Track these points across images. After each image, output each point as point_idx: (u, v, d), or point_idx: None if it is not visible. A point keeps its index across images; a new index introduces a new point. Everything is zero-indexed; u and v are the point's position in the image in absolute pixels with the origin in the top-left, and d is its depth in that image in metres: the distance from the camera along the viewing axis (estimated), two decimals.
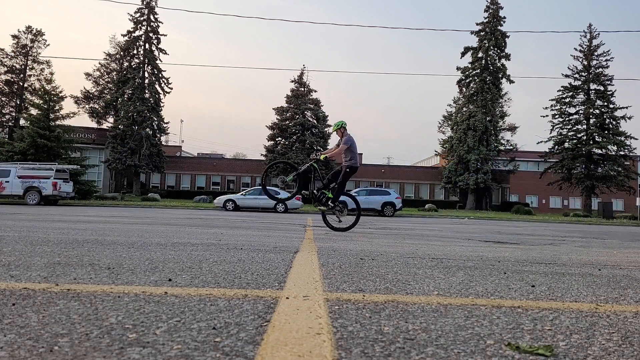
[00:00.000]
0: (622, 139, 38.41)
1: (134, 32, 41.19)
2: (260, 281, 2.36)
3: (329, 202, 7.75)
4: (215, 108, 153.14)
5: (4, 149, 28.53)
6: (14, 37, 45.68)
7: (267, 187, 7.99)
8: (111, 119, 44.10)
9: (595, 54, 40.21)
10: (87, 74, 47.13)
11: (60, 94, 30.65)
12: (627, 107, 39.04)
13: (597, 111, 39.57)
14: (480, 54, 41.17)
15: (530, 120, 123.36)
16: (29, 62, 45.89)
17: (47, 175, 21.84)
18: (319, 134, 43.16)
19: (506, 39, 40.87)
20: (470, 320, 1.69)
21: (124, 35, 41.33)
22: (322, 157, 7.86)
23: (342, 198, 8.03)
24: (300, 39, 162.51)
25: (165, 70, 41.94)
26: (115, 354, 1.18)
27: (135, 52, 41.33)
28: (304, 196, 7.92)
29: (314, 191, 7.91)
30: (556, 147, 40.50)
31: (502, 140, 42.73)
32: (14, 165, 22.36)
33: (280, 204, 23.63)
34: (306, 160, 41.48)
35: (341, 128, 7.98)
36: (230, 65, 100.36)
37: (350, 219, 7.91)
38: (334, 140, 45.20)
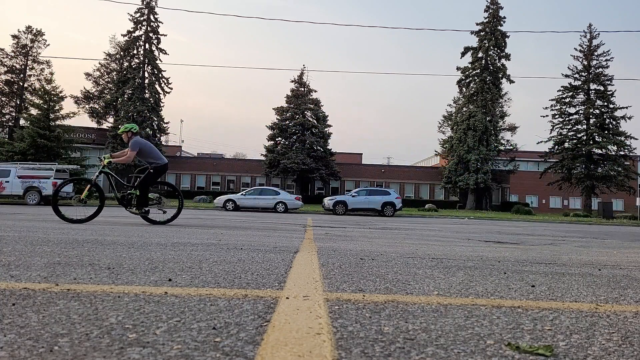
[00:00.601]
0: (622, 139, 38.42)
1: (134, 32, 41.21)
2: (260, 281, 2.36)
3: (141, 206, 7.78)
4: (215, 108, 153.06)
5: (4, 149, 28.55)
6: (14, 37, 45.71)
7: (58, 206, 7.72)
8: (111, 119, 44.13)
9: (595, 54, 40.22)
10: (87, 74, 47.18)
11: (60, 94, 30.67)
12: (627, 107, 39.07)
13: (597, 111, 39.59)
14: (480, 54, 41.18)
15: (530, 120, 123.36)
16: (29, 62, 45.90)
17: (47, 175, 21.84)
18: (319, 134, 43.15)
19: (506, 39, 40.88)
20: (470, 320, 1.69)
21: (124, 35, 41.37)
22: (105, 161, 7.63)
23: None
24: (300, 39, 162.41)
25: (165, 70, 41.99)
26: (115, 354, 1.18)
27: (135, 52, 41.35)
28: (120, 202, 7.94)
29: (117, 196, 7.90)
30: (556, 147, 40.52)
31: (502, 140, 42.74)
32: (14, 165, 22.37)
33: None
34: (305, 161, 41.53)
35: (128, 132, 7.75)
36: (230, 66, 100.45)
37: (173, 211, 8.26)
38: (334, 140, 45.18)
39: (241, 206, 23.73)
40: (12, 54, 45.33)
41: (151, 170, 7.76)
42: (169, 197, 9.19)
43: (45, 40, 47.01)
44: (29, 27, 46.15)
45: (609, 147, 38.54)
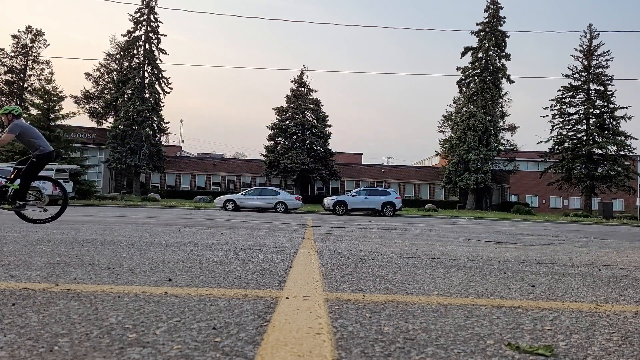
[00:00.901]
0: (622, 139, 38.42)
1: (134, 32, 41.20)
2: (260, 281, 2.36)
3: (16, 199, 6.94)
4: (215, 108, 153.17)
5: (4, 149, 28.53)
6: (14, 37, 45.70)
7: None
8: (111, 119, 44.14)
9: (595, 54, 40.22)
10: (87, 74, 47.18)
11: (60, 94, 30.65)
12: (627, 107, 39.07)
13: (597, 111, 39.59)
14: (480, 54, 41.18)
15: (530, 120, 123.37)
16: (29, 62, 45.89)
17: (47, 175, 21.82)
18: (319, 134, 43.15)
19: (506, 39, 40.88)
20: (470, 320, 1.69)
21: (124, 35, 41.37)
22: None
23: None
24: (300, 39, 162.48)
25: (165, 70, 41.98)
26: (115, 354, 1.18)
27: (135, 52, 41.35)
28: None
29: None
30: (556, 147, 40.52)
31: (502, 140, 42.74)
32: (10, 165, 22.35)
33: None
34: (305, 161, 41.51)
35: (8, 114, 7.03)
36: (231, 66, 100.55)
37: (55, 209, 7.37)
38: (334, 140, 45.21)
39: (241, 206, 23.73)
40: (12, 54, 45.33)
41: (34, 159, 7.00)
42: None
43: (45, 40, 47.01)
44: (29, 27, 46.16)
45: (609, 147, 38.53)
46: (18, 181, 7.06)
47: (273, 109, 44.10)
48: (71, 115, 31.02)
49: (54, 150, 7.27)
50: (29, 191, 7.19)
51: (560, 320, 1.75)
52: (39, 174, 7.37)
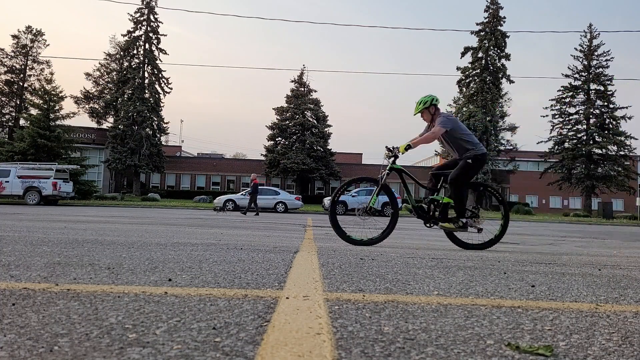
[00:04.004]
0: (622, 139, 38.43)
1: (134, 32, 41.21)
2: (260, 281, 2.36)
3: (456, 216, 5.12)
4: (215, 108, 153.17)
5: (4, 149, 28.54)
6: (14, 37, 45.70)
7: (337, 219, 5.21)
8: (111, 119, 44.14)
9: (596, 54, 40.23)
10: (87, 74, 47.23)
11: (60, 94, 30.66)
12: (627, 107, 39.10)
13: (597, 111, 39.60)
14: (480, 54, 41.20)
15: (530, 120, 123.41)
16: (29, 62, 45.89)
17: (47, 175, 21.84)
18: (319, 134, 43.16)
19: (506, 39, 40.90)
20: (470, 320, 1.69)
21: (124, 35, 41.39)
22: (402, 148, 5.06)
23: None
24: (301, 39, 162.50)
25: (165, 70, 42.01)
26: (115, 354, 1.18)
27: (135, 52, 41.36)
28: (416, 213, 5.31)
29: (422, 205, 5.31)
30: (556, 147, 40.53)
31: (502, 140, 42.74)
32: (14, 165, 22.36)
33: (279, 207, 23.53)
34: (305, 161, 41.32)
35: (431, 107, 5.27)
36: (231, 65, 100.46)
37: (493, 227, 5.24)
38: (334, 140, 45.23)
39: (241, 206, 23.74)
40: (12, 54, 45.33)
41: (469, 161, 5.11)
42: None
43: (45, 40, 47.02)
44: (29, 27, 46.15)
45: (609, 147, 38.54)
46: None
47: (273, 109, 44.13)
48: (71, 115, 31.05)
49: (487, 153, 5.51)
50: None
51: (560, 320, 1.75)
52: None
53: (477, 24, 41.54)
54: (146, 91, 40.61)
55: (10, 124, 44.61)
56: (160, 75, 41.74)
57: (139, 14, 41.13)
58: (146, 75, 41.37)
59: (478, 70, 41.14)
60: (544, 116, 42.20)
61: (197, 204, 28.81)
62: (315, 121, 43.56)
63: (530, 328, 1.61)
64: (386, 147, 5.35)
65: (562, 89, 40.93)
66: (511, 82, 41.30)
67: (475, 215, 5.21)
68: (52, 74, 44.73)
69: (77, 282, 2.16)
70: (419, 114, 5.35)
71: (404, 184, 5.32)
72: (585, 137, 39.65)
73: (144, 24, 41.28)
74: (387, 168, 5.26)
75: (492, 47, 40.69)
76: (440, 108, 5.38)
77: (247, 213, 17.75)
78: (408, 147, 5.02)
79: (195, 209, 23.29)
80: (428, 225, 5.22)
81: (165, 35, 46.68)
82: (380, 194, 5.26)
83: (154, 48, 41.48)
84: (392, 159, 5.21)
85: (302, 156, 41.19)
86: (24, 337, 1.30)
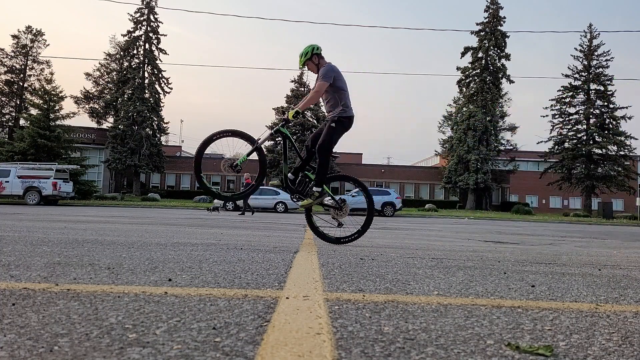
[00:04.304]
0: (622, 139, 38.43)
1: (134, 32, 41.21)
2: (260, 281, 2.36)
3: (313, 189, 4.76)
4: (215, 108, 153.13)
5: (4, 149, 28.55)
6: (14, 37, 45.69)
7: (204, 180, 4.63)
8: (111, 119, 44.14)
9: (596, 54, 40.24)
10: (87, 74, 47.20)
11: (60, 94, 30.67)
12: (627, 107, 39.10)
13: (597, 111, 39.61)
14: (480, 54, 41.21)
15: (530, 120, 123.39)
16: (29, 62, 45.87)
17: (47, 175, 21.84)
18: None
19: (506, 39, 40.90)
20: (470, 320, 1.69)
21: (124, 35, 41.38)
22: (291, 114, 4.65)
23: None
24: (301, 39, 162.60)
25: (165, 70, 42.01)
26: (115, 354, 1.18)
27: (135, 52, 41.36)
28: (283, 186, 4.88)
29: (289, 175, 4.87)
30: (556, 147, 40.53)
31: (502, 140, 42.76)
32: (14, 165, 22.36)
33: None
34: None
35: (313, 56, 4.84)
36: (231, 65, 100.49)
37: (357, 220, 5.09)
38: None
39: (241, 206, 23.74)
40: (12, 54, 45.33)
41: (333, 125, 4.76)
42: None
43: (45, 40, 47.01)
44: (29, 27, 46.14)
45: (609, 147, 38.55)
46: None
47: (273, 109, 44.15)
48: (71, 115, 31.06)
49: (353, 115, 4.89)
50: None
51: (560, 320, 1.75)
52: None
53: (477, 24, 41.55)
54: (146, 91, 40.61)
55: (10, 124, 44.61)
56: (160, 75, 41.74)
57: (139, 14, 41.13)
58: (146, 75, 41.37)
59: (478, 70, 41.15)
60: (544, 116, 42.24)
61: (197, 204, 28.80)
62: (315, 121, 43.56)
63: (530, 328, 1.61)
64: (282, 111, 5.19)
65: (562, 89, 40.94)
66: (511, 82, 41.32)
67: (339, 208, 4.95)
68: (52, 74, 44.74)
69: (77, 282, 2.16)
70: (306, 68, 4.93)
71: (284, 152, 4.83)
72: (585, 137, 39.65)
73: (144, 24, 41.28)
74: (274, 130, 4.74)
75: (492, 47, 40.69)
76: (324, 57, 4.88)
77: (245, 213, 17.78)
78: (297, 114, 4.62)
79: (195, 209, 23.29)
80: (294, 199, 4.89)
81: (165, 35, 46.70)
82: (252, 155, 4.68)
83: (154, 48, 41.48)
84: (283, 122, 4.76)
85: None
86: (24, 337, 1.30)
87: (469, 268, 3.25)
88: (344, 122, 4.75)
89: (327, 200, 4.94)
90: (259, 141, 4.60)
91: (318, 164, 4.78)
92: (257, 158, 4.77)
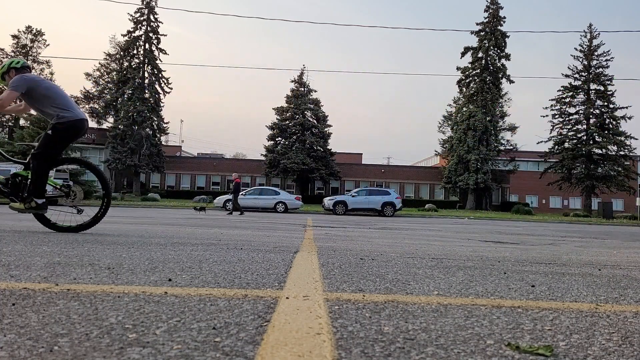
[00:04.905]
0: (622, 139, 38.45)
1: (134, 32, 41.24)
2: (260, 281, 2.36)
3: (32, 196, 4.71)
4: (215, 108, 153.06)
5: (4, 149, 28.52)
6: (14, 37, 45.71)
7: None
8: (111, 119, 44.18)
9: (596, 54, 40.25)
10: (87, 74, 47.26)
11: None
12: (627, 107, 39.12)
13: (597, 111, 39.62)
14: (480, 54, 41.22)
15: (530, 120, 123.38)
16: (29, 62, 45.87)
17: None
18: (319, 134, 43.16)
19: (506, 39, 40.91)
20: (470, 320, 1.69)
21: (124, 35, 41.41)
22: None
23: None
24: (301, 39, 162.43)
25: (165, 70, 42.04)
26: (115, 354, 1.18)
27: (135, 52, 41.37)
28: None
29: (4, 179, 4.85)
30: (556, 147, 40.54)
31: (502, 140, 42.78)
32: (14, 166, 22.34)
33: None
34: (305, 161, 41.34)
35: (10, 71, 4.76)
36: (231, 65, 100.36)
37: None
38: (334, 140, 45.25)
39: (241, 206, 23.75)
40: (12, 54, 45.32)
41: (49, 132, 4.61)
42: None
43: (45, 40, 47.05)
44: (29, 27, 46.17)
45: (609, 147, 38.56)
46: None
47: (273, 109, 44.13)
48: None
49: (86, 119, 4.86)
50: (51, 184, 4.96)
51: (560, 320, 1.75)
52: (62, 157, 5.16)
53: (477, 24, 41.56)
54: (146, 91, 40.63)
55: (10, 124, 44.62)
56: (160, 75, 41.76)
57: (139, 14, 41.15)
58: (146, 75, 41.39)
59: (478, 70, 41.15)
60: (544, 116, 42.27)
61: (197, 204, 28.80)
62: (315, 121, 43.58)
63: (530, 328, 1.61)
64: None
65: (562, 89, 40.95)
66: (511, 82, 41.33)
67: (66, 195, 4.89)
68: (52, 74, 44.78)
69: (77, 282, 2.16)
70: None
71: None
72: (585, 137, 39.66)
73: (144, 24, 41.30)
74: None
75: (492, 47, 40.70)
76: (28, 71, 4.76)
77: (233, 212, 17.85)
78: None
79: (196, 209, 23.26)
80: (8, 203, 4.77)
81: (165, 35, 46.69)
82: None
83: (154, 48, 41.50)
84: None
85: (302, 156, 41.19)
86: (24, 337, 1.30)
87: (469, 268, 3.25)
88: (60, 129, 4.64)
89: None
90: None
91: (32, 172, 4.74)
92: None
